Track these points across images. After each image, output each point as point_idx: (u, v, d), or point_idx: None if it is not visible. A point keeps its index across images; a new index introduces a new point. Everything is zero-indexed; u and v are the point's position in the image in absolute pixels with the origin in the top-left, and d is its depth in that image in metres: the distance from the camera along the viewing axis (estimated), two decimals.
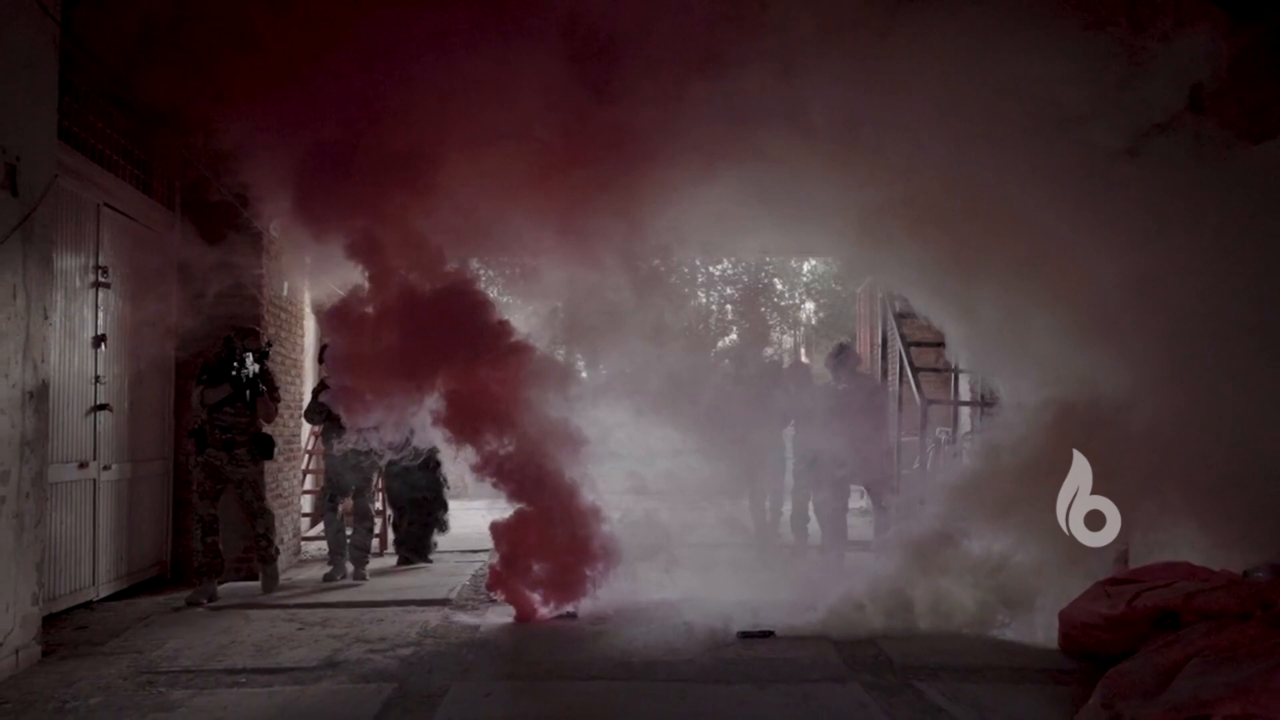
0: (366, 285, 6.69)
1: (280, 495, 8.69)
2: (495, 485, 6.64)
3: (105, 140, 6.88)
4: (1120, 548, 6.12)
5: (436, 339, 6.37)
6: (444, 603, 6.90)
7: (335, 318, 6.80)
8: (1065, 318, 6.14)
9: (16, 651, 5.08)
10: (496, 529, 6.59)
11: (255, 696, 4.65)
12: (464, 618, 6.43)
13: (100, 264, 6.79)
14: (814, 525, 8.39)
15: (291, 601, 7.00)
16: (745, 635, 5.75)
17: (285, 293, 8.86)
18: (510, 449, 6.50)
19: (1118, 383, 5.74)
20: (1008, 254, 6.39)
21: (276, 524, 7.60)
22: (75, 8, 5.79)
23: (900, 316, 10.09)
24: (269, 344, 7.65)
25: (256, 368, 7.32)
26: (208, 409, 7.14)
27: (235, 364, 7.22)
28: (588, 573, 6.43)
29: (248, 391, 7.24)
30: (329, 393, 7.04)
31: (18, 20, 5.10)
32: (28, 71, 5.21)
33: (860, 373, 8.66)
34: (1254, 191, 5.70)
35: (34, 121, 5.28)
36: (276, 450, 7.64)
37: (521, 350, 6.61)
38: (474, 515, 13.34)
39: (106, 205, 6.86)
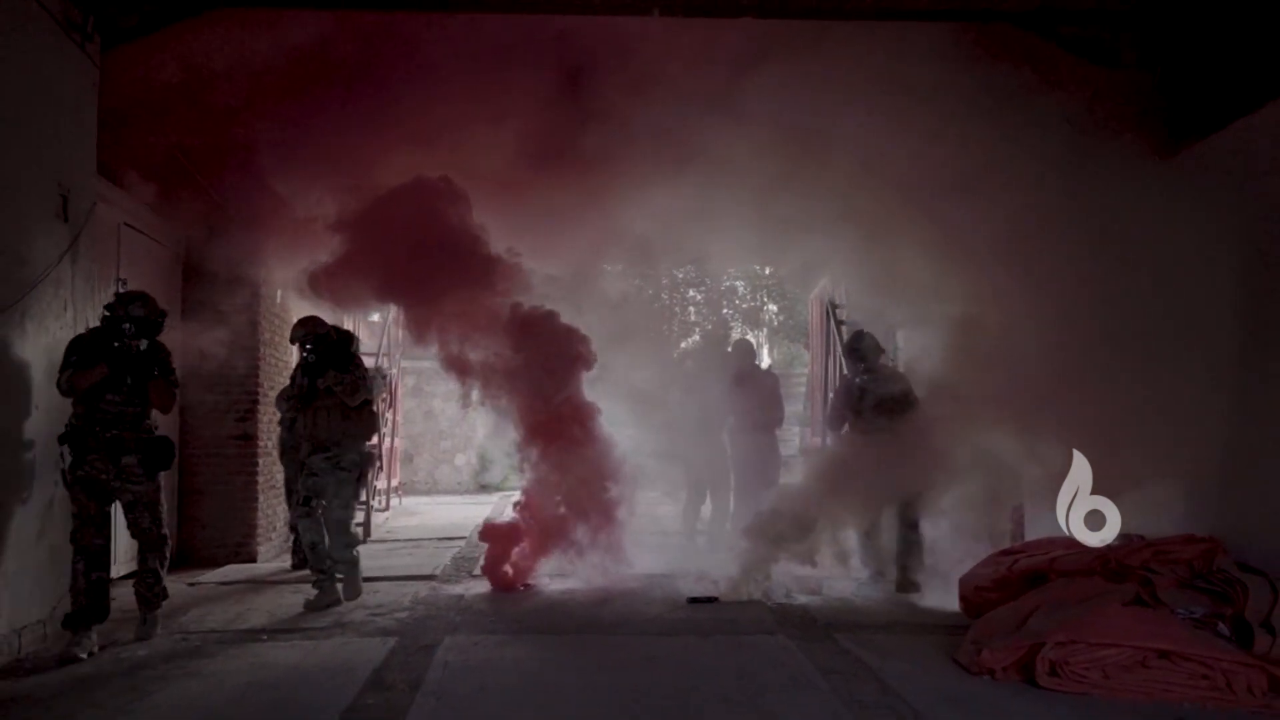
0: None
1: (275, 486, 9.50)
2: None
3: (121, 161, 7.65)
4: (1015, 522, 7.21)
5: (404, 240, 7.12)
6: (430, 578, 7.80)
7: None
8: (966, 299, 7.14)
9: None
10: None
11: (278, 648, 5.53)
12: (449, 589, 7.34)
13: (121, 276, 7.58)
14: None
15: (293, 578, 7.84)
16: (694, 600, 6.70)
17: (279, 300, 9.67)
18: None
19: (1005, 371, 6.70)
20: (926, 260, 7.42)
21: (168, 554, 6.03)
22: (109, 54, 6.59)
23: (841, 324, 11.04)
24: (163, 313, 5.94)
25: (145, 344, 5.75)
26: (84, 399, 5.54)
27: (115, 338, 5.64)
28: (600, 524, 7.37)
29: (133, 374, 5.64)
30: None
31: (69, 69, 5.94)
32: (75, 113, 6.05)
33: (882, 364, 7.89)
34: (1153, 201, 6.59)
35: (79, 156, 6.12)
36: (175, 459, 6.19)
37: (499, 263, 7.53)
38: (447, 509, 14.33)
39: (126, 224, 7.66)
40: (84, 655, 5.32)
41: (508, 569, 7.27)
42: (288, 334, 10.03)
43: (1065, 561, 5.56)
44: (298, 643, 5.66)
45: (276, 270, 8.99)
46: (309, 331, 7.05)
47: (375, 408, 7.73)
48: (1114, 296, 6.27)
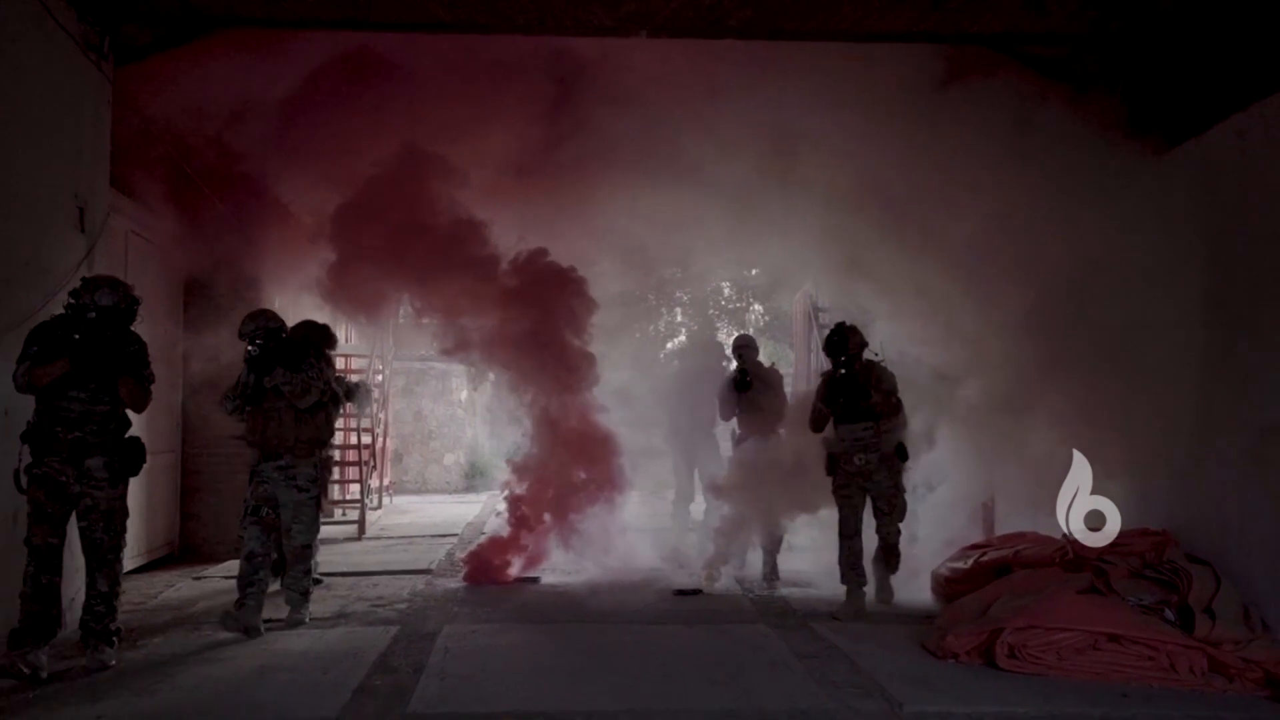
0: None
1: None
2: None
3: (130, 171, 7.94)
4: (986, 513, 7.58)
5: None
6: (426, 571, 8.12)
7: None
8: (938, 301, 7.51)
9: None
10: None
11: (288, 636, 5.85)
12: (445, 582, 7.66)
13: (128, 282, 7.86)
14: None
15: None
16: (679, 592, 7.06)
17: (277, 304, 9.95)
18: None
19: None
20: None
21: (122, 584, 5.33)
22: (122, 69, 6.87)
23: (823, 327, 11.39)
24: (136, 301, 5.35)
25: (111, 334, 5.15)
26: (43, 396, 4.97)
27: (80, 328, 5.05)
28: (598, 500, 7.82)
29: (99, 368, 5.02)
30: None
31: (85, 85, 6.22)
32: (91, 127, 6.34)
33: (866, 360, 6.90)
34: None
35: (95, 169, 6.41)
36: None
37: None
38: (437, 507, 14.63)
39: (133, 232, 7.95)
40: (28, 672, 4.77)
41: (501, 561, 7.62)
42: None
43: (1026, 554, 5.94)
44: (305, 631, 5.97)
45: (279, 274, 9.31)
46: (259, 326, 6.21)
47: (372, 412, 7.83)
48: (1078, 300, 6.63)
